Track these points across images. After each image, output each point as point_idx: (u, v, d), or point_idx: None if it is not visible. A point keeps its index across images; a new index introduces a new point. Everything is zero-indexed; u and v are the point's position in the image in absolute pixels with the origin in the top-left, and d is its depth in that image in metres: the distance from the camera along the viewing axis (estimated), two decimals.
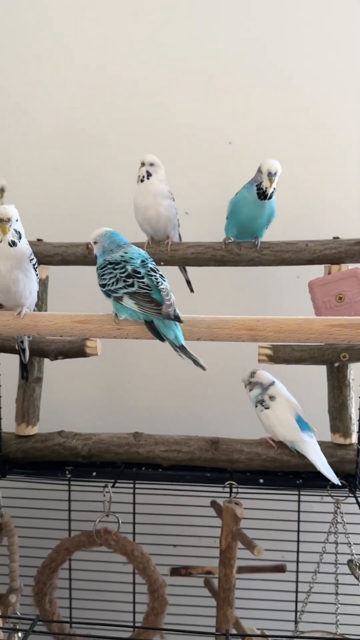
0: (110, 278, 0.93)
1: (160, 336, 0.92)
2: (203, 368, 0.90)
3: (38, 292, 1.06)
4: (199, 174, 1.60)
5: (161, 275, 0.95)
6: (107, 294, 0.95)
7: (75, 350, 1.27)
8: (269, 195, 1.27)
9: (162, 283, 0.93)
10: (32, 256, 1.01)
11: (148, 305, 0.90)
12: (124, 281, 0.92)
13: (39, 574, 1.28)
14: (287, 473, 1.31)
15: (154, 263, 0.97)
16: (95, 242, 1.02)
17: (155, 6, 1.58)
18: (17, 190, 1.37)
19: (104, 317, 0.96)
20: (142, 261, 0.95)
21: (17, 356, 1.35)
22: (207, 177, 1.59)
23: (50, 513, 1.40)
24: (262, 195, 1.27)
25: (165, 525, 1.43)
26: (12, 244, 0.96)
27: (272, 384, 1.33)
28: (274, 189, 1.27)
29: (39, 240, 1.35)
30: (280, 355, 1.24)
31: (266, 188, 1.26)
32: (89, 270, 1.38)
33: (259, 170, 1.27)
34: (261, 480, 1.31)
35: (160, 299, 0.91)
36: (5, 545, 1.33)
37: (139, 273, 0.93)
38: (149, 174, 1.33)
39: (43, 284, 1.35)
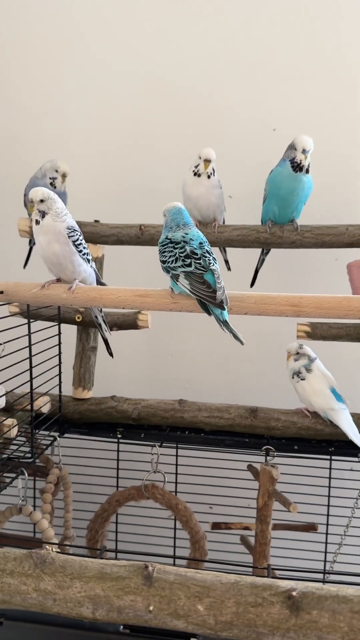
0: (170, 256, 1.04)
1: (208, 311, 1.02)
2: (241, 342, 0.99)
3: (94, 268, 1.18)
4: (243, 160, 1.68)
5: (214, 258, 1.05)
6: (166, 270, 1.05)
7: (129, 322, 1.40)
8: (305, 168, 1.35)
9: (214, 264, 1.03)
10: (73, 233, 1.11)
11: (200, 287, 1.00)
12: (182, 260, 1.02)
13: (92, 523, 1.42)
14: (320, 441, 1.41)
15: (209, 246, 1.07)
16: (164, 215, 1.12)
17: (201, 8, 1.66)
18: (77, 175, 1.49)
19: (161, 292, 1.07)
20: (200, 243, 1.05)
21: (75, 327, 1.48)
22: (251, 162, 1.67)
23: (102, 470, 1.53)
24: (298, 167, 1.35)
25: (205, 485, 1.55)
26: (36, 222, 1.10)
27: (315, 359, 1.42)
28: (309, 163, 1.35)
29: (96, 221, 1.46)
30: (318, 332, 1.34)
31: (301, 161, 1.34)
32: (141, 250, 1.50)
33: (292, 147, 1.36)
34: (296, 447, 1.41)
35: (212, 282, 1.00)
36: (61, 499, 1.48)
37: (196, 254, 1.03)
38: (213, 170, 1.42)
39: (99, 261, 1.47)
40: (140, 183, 1.70)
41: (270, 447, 1.36)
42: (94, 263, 1.21)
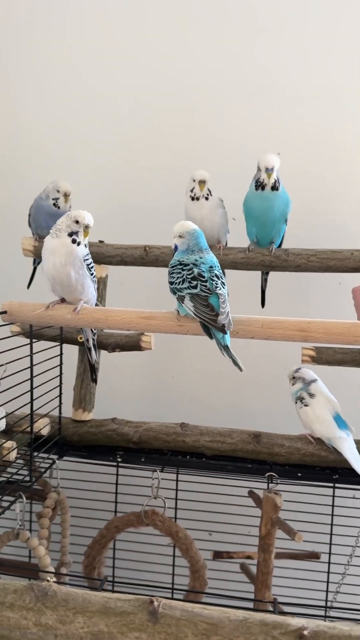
0: (178, 277, 1.03)
1: (210, 334, 1.01)
2: (240, 369, 0.98)
3: (97, 289, 1.17)
4: (247, 182, 1.68)
5: (222, 283, 1.04)
6: (173, 291, 1.04)
7: (132, 343, 1.38)
8: (269, 186, 1.35)
9: (220, 288, 1.02)
10: (88, 257, 1.12)
11: (204, 310, 0.99)
12: (189, 282, 1.02)
13: (90, 549, 1.39)
14: (324, 468, 1.39)
15: (221, 271, 1.06)
16: (180, 236, 1.08)
17: (211, 22, 1.67)
18: (82, 195, 1.48)
19: (167, 314, 1.06)
20: (210, 267, 1.04)
21: (77, 347, 1.46)
22: None
23: (100, 495, 1.50)
24: (261, 186, 1.35)
25: (206, 512, 1.52)
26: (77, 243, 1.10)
27: (314, 381, 1.41)
28: (275, 180, 1.35)
29: (100, 241, 1.45)
30: (323, 357, 1.33)
31: (263, 180, 1.35)
32: (144, 271, 1.49)
33: (258, 168, 1.36)
34: (299, 474, 1.39)
35: (216, 305, 1.00)
36: (58, 523, 1.44)
37: (204, 277, 1.02)
38: (209, 192, 1.41)
39: (103, 282, 1.46)
40: (144, 203, 1.70)
41: (274, 474, 1.33)
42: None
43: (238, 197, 1.49)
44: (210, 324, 0.99)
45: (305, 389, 1.39)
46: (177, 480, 1.45)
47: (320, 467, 1.39)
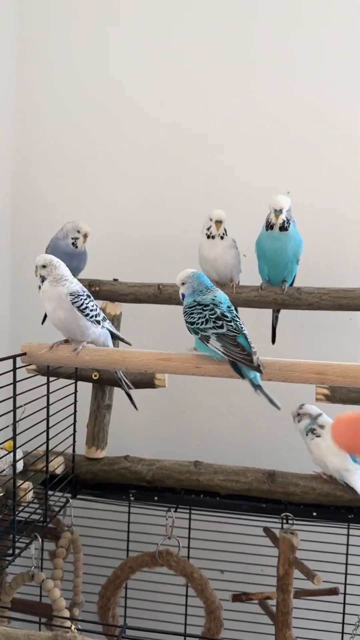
0: (199, 317, 1.04)
1: (242, 374, 1.02)
2: (278, 407, 0.99)
3: (107, 327, 1.20)
4: (258, 220, 1.71)
5: (243, 322, 1.05)
6: (195, 332, 1.05)
7: (145, 381, 1.39)
8: (277, 226, 1.37)
9: (244, 328, 1.04)
10: (77, 299, 1.13)
11: (234, 349, 1.00)
12: (214, 322, 1.03)
13: (104, 590, 1.37)
14: (339, 507, 1.38)
15: (235, 310, 1.08)
16: (183, 283, 1.12)
17: (219, 69, 1.73)
18: (96, 234, 1.51)
19: (185, 356, 1.07)
20: (228, 307, 1.06)
21: (90, 384, 1.47)
22: None
23: (113, 533, 1.49)
24: (269, 227, 1.38)
25: (219, 551, 1.51)
26: (38, 287, 1.15)
27: (320, 415, 1.41)
28: (284, 221, 1.37)
29: (115, 279, 1.47)
30: (337, 396, 1.33)
31: (271, 220, 1.38)
32: (158, 308, 1.51)
33: (269, 208, 1.40)
34: (314, 513, 1.38)
35: (246, 345, 1.02)
36: (70, 562, 1.43)
37: (227, 317, 1.04)
38: (225, 231, 1.44)
39: (117, 319, 1.47)
40: (158, 242, 1.72)
41: (289, 514, 1.33)
42: (108, 322, 1.22)
43: (250, 238, 1.52)
44: (246, 364, 1.00)
45: (314, 423, 1.39)
46: (190, 519, 1.44)
47: (336, 506, 1.38)
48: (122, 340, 1.27)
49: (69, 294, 1.13)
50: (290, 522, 1.33)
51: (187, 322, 1.07)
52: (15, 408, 1.07)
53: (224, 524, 1.45)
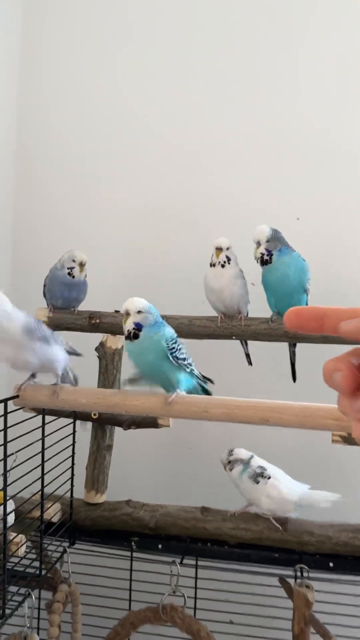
0: (184, 352, 1.02)
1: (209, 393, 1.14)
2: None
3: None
4: None
5: None
6: (184, 368, 1.01)
7: (149, 420, 1.30)
8: (257, 259, 1.33)
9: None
10: (33, 333, 1.00)
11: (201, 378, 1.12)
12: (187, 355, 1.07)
13: None
14: (357, 557, 1.27)
15: None
16: (139, 312, 1.03)
17: (221, 92, 1.67)
18: (96, 265, 1.44)
19: (191, 398, 0.99)
20: None
21: (89, 423, 1.39)
22: None
23: (114, 583, 1.39)
24: (260, 262, 1.33)
25: (228, 602, 1.40)
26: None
27: (252, 457, 1.31)
28: (263, 254, 1.31)
29: (116, 311, 1.39)
30: (354, 438, 1.23)
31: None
32: None
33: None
34: (331, 564, 1.28)
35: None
36: (69, 612, 1.33)
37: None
38: (228, 259, 1.37)
39: (118, 354, 1.39)
40: (161, 273, 1.65)
41: (304, 566, 1.23)
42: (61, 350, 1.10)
43: (257, 266, 1.45)
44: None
45: (250, 466, 1.28)
46: (196, 569, 1.34)
47: (354, 556, 1.27)
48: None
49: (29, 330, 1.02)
50: (305, 574, 1.23)
51: (177, 357, 1.00)
52: (5, 456, 0.98)
53: (233, 573, 1.35)
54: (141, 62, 1.71)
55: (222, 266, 1.37)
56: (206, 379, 1.16)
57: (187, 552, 1.31)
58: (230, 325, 1.36)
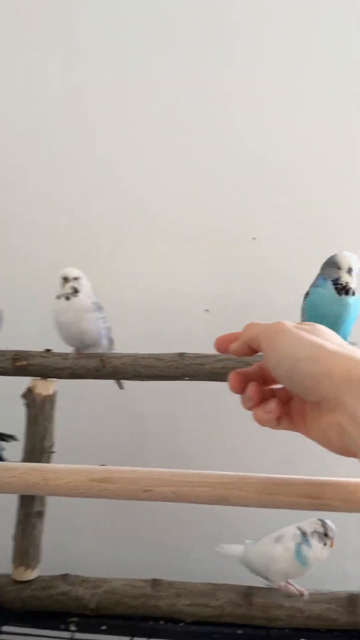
0: None
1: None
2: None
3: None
4: (222, 269, 1.48)
5: None
6: None
7: None
8: (351, 291, 1.09)
9: None
10: None
11: None
12: None
13: None
14: (333, 631, 1.10)
15: None
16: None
17: (183, 126, 1.51)
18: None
19: (128, 473, 0.79)
20: None
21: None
22: (230, 272, 1.48)
23: None
24: (344, 290, 1.08)
25: None
26: None
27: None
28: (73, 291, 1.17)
29: (47, 350, 1.18)
30: None
31: (347, 283, 1.09)
32: (99, 384, 1.23)
33: (334, 266, 1.10)
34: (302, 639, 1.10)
35: None
36: None
37: None
38: (76, 290, 1.18)
39: (50, 400, 1.18)
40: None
41: None
42: None
43: (211, 290, 1.27)
44: None
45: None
46: None
47: (330, 630, 1.10)
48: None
49: None
50: None
51: None
52: None
53: None
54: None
55: (67, 298, 1.18)
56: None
57: (136, 633, 1.11)
58: (181, 365, 1.17)
